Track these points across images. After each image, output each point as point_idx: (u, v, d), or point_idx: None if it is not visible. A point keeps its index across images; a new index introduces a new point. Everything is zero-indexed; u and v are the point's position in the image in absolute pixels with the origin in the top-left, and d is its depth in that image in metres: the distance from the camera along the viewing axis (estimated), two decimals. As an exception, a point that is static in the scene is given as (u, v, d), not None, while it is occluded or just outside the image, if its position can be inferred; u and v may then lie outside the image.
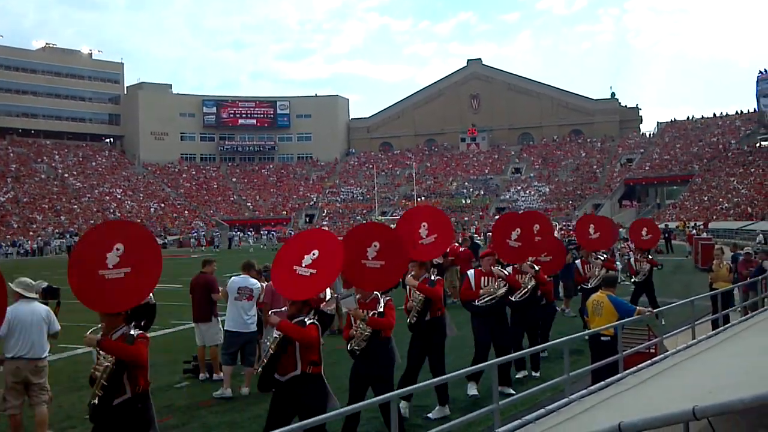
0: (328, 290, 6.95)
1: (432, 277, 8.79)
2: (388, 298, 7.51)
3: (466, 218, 78.03)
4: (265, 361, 6.24)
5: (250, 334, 10.37)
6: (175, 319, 17.15)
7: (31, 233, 69.07)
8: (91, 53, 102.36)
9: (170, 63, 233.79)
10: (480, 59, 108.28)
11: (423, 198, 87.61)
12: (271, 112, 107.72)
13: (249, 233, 77.65)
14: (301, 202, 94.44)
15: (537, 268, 10.82)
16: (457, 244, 18.74)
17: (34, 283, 8.03)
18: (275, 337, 6.30)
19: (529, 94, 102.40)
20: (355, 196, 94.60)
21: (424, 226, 9.15)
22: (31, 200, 77.41)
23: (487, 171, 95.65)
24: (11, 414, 7.66)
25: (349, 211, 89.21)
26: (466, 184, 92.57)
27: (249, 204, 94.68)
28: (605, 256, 14.02)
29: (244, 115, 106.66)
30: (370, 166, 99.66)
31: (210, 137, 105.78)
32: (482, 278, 9.79)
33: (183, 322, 16.68)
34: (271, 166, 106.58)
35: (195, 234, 74.77)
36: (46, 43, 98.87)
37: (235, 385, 10.20)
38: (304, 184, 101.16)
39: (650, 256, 16.22)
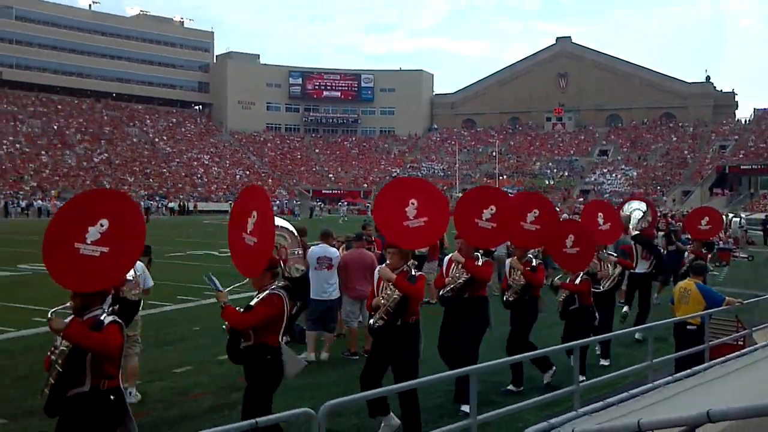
0: (132, 271, 5.59)
1: (413, 272, 6.96)
2: (273, 292, 6.05)
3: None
4: (53, 381, 4.84)
5: (331, 302, 10.59)
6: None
7: (122, 194, 71.68)
8: (182, 21, 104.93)
9: (259, 33, 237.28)
10: (569, 37, 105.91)
11: (505, 176, 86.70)
12: (356, 85, 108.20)
13: (342, 203, 76.56)
14: (382, 176, 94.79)
15: (535, 264, 9.19)
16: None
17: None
18: (62, 349, 4.85)
19: (619, 75, 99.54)
20: (436, 172, 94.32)
21: (412, 204, 7.27)
22: (123, 162, 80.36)
23: (572, 152, 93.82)
24: (107, 363, 8.05)
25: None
26: (550, 164, 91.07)
27: (331, 175, 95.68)
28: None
29: (328, 87, 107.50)
30: (453, 142, 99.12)
31: (295, 108, 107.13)
32: (511, 270, 9.19)
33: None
34: (353, 138, 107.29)
35: (278, 203, 76.14)
36: (141, 11, 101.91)
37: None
38: (385, 157, 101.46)
39: (704, 250, 13.68)
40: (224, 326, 5.95)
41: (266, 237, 6.00)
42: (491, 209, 8.25)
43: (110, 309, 5.10)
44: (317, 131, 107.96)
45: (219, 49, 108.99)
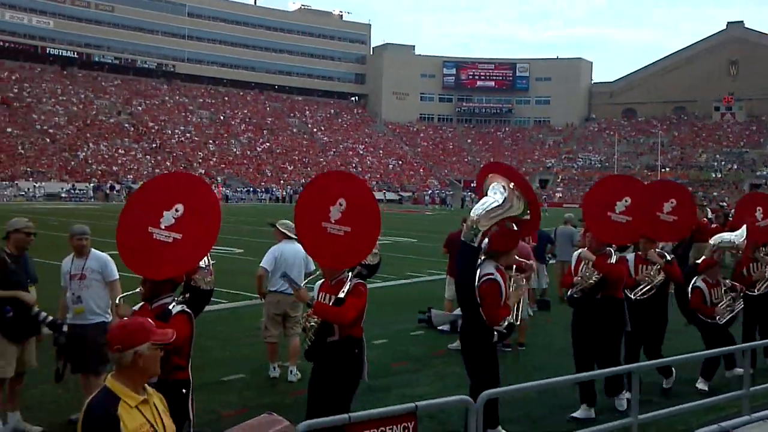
0: (206, 258, 5.22)
1: (614, 258, 7.39)
2: (357, 281, 5.66)
3: (714, 193, 72.58)
4: None
5: (486, 292, 10.52)
6: (410, 271, 17.82)
7: (282, 182, 75.01)
8: (341, 15, 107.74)
9: (414, 25, 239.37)
10: (742, 22, 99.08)
11: (667, 169, 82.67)
12: (510, 75, 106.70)
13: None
14: (535, 167, 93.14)
15: (669, 257, 8.30)
16: (706, 219, 17.57)
17: (294, 225, 8.76)
18: None
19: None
20: (592, 163, 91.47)
21: (671, 202, 8.19)
22: (284, 152, 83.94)
23: (742, 144, 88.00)
24: (270, 342, 8.56)
25: (585, 179, 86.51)
26: (718, 156, 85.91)
27: (482, 165, 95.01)
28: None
29: (482, 77, 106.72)
30: (611, 132, 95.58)
31: (448, 98, 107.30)
32: (640, 265, 8.22)
33: (417, 274, 17.36)
34: (506, 128, 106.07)
35: (430, 192, 76.76)
36: (302, 5, 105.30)
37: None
38: (539, 148, 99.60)
39: None
40: (313, 323, 5.47)
41: (369, 227, 5.65)
42: (625, 201, 7.56)
43: (181, 297, 4.88)
44: (470, 121, 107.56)
45: (375, 41, 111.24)
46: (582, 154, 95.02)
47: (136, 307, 4.79)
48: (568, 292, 7.57)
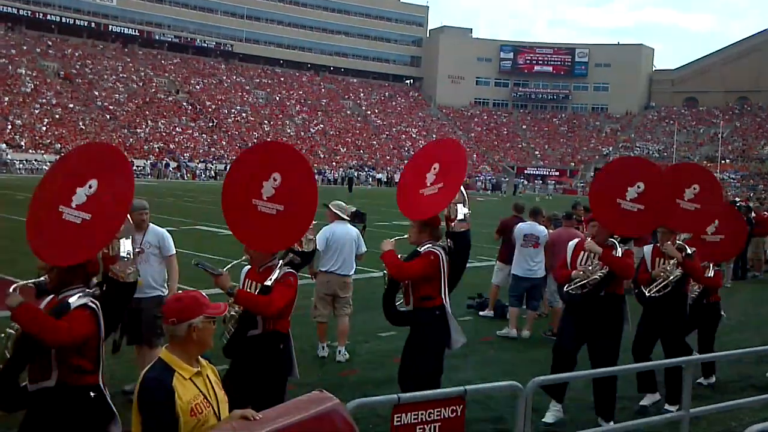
0: (126, 245, 4.39)
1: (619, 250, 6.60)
2: (288, 270, 5.14)
3: (776, 187, 70.53)
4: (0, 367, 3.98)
5: (536, 280, 10.48)
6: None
7: (334, 164, 75.38)
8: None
9: (473, 7, 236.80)
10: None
11: (727, 160, 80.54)
12: (569, 60, 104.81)
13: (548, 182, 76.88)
14: (591, 155, 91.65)
15: (690, 251, 7.37)
16: (766, 213, 17.11)
17: (346, 206, 8.84)
18: (11, 332, 3.99)
19: None
20: (650, 152, 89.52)
21: (694, 188, 7.35)
22: (337, 134, 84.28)
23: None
24: (320, 321, 8.69)
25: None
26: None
27: (537, 152, 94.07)
28: None
29: (540, 62, 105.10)
30: (671, 121, 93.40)
31: (504, 83, 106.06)
32: (656, 258, 7.42)
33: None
34: (563, 115, 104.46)
35: (481, 178, 76.31)
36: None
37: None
38: (596, 136, 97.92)
39: None
40: (233, 312, 4.98)
41: (305, 207, 5.16)
42: (638, 187, 6.66)
43: (92, 290, 4.17)
44: (525, 107, 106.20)
45: (433, 23, 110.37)
46: (640, 143, 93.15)
47: (46, 303, 4.13)
48: (565, 288, 6.81)
